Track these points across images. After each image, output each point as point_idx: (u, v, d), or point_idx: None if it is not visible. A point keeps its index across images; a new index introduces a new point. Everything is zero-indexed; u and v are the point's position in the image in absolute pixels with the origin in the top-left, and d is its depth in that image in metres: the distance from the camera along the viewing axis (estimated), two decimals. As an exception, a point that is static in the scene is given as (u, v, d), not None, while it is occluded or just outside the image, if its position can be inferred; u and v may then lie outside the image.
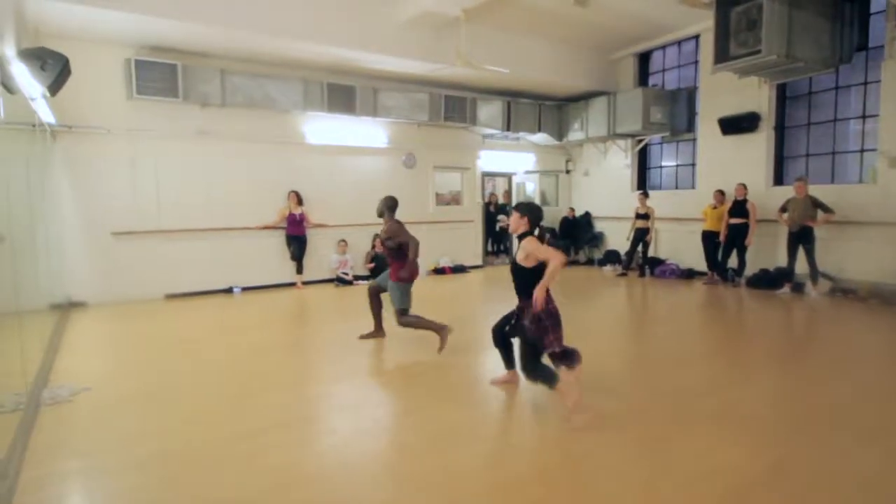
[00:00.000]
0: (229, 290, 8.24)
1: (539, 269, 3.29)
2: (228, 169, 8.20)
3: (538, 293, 3.21)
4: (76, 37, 6.77)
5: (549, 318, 3.27)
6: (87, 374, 4.21)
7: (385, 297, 5.04)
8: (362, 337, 5.30)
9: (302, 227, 8.68)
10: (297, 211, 8.62)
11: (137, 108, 7.38)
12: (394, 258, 4.82)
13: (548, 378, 3.26)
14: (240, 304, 7.53)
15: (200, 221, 7.98)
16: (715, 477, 2.56)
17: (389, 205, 4.95)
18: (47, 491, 2.53)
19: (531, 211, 3.52)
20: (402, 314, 4.77)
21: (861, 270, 7.25)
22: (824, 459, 2.74)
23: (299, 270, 8.75)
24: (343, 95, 8.66)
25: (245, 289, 8.35)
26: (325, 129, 9.02)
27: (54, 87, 4.45)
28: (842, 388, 3.82)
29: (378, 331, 5.31)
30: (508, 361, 3.86)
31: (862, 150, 7.60)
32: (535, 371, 3.32)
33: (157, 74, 7.20)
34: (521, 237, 3.49)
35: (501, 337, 3.79)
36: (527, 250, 3.34)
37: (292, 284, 8.73)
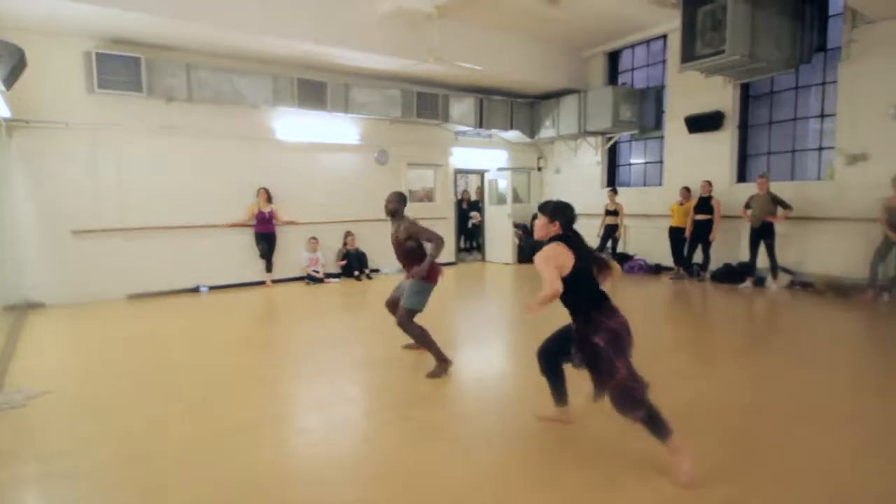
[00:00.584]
0: (196, 290, 8.07)
1: (572, 279, 2.65)
2: (195, 165, 8.01)
3: (529, 305, 2.63)
4: (34, 29, 6.53)
5: (609, 342, 2.56)
6: (46, 378, 4.07)
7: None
8: (406, 347, 4.75)
9: (271, 224, 8.55)
10: (267, 208, 8.48)
11: (99, 103, 7.14)
12: (412, 258, 4.30)
13: (658, 427, 2.49)
14: (207, 303, 7.38)
15: (166, 219, 7.77)
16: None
17: (402, 201, 4.38)
18: (5, 497, 2.44)
19: (556, 212, 2.82)
20: (410, 316, 4.20)
21: (819, 264, 7.52)
22: (786, 449, 2.82)
23: (269, 269, 8.62)
24: (314, 91, 8.54)
25: (213, 288, 8.18)
26: (296, 125, 8.90)
27: (9, 81, 4.30)
28: (801, 378, 3.95)
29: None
30: (559, 396, 3.08)
31: (820, 149, 7.87)
32: (629, 407, 2.54)
33: (120, 68, 6.98)
34: (548, 243, 2.80)
35: (553, 364, 2.99)
36: (538, 260, 2.68)
37: (262, 283, 8.59)
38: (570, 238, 2.79)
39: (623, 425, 2.96)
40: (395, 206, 4.33)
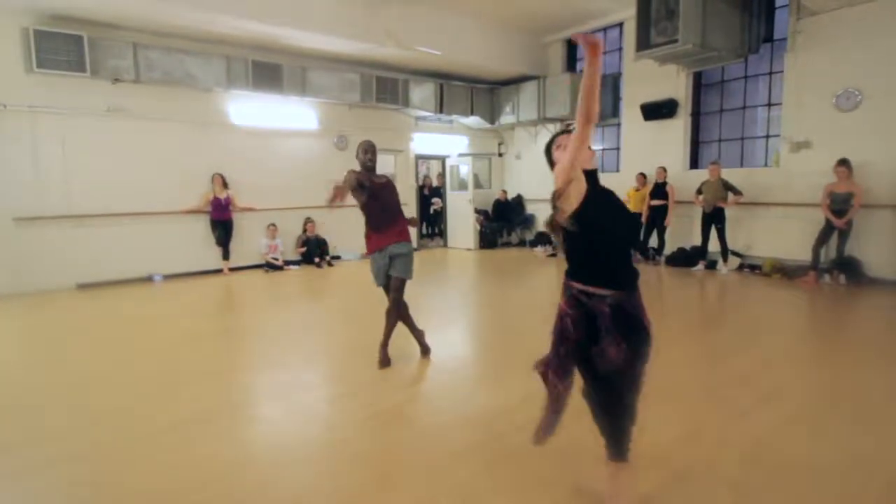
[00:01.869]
0: (149, 279, 7.82)
1: (587, 234, 1.95)
2: (146, 150, 7.71)
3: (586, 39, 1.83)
4: (-38, 1, 6.12)
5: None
6: (-13, 372, 3.89)
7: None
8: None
9: (228, 211, 8.33)
10: (223, 195, 8.26)
11: (39, 83, 6.77)
12: (402, 221, 4.01)
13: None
14: (161, 292, 7.17)
15: (115, 206, 7.48)
16: (636, 444, 2.71)
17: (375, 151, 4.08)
18: (-60, 499, 2.34)
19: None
20: (403, 291, 3.96)
21: (766, 248, 7.87)
22: (730, 421, 2.97)
23: (226, 256, 8.42)
24: (269, 73, 8.32)
25: (167, 276, 7.95)
26: (251, 108, 8.66)
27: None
28: (745, 354, 4.15)
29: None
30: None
31: (767, 136, 8.19)
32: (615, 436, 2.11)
33: (61, 46, 6.63)
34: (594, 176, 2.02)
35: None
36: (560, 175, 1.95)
37: (219, 271, 8.39)
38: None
39: (572, 402, 3.05)
40: (373, 158, 4.14)
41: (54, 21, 6.75)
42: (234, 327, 5.54)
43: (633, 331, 2.03)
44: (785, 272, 7.36)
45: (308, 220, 9.27)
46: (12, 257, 6.75)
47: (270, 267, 8.73)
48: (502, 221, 11.89)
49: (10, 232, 6.75)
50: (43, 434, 2.94)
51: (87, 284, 7.28)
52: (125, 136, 7.52)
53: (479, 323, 5.60)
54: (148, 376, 3.86)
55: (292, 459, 2.65)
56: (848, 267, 6.86)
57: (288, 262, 8.97)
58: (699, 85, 8.89)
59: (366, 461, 2.62)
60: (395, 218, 3.99)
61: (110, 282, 7.47)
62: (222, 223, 8.31)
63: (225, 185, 8.28)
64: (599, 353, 1.95)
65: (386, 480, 2.44)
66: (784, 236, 7.65)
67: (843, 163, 6.67)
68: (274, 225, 8.88)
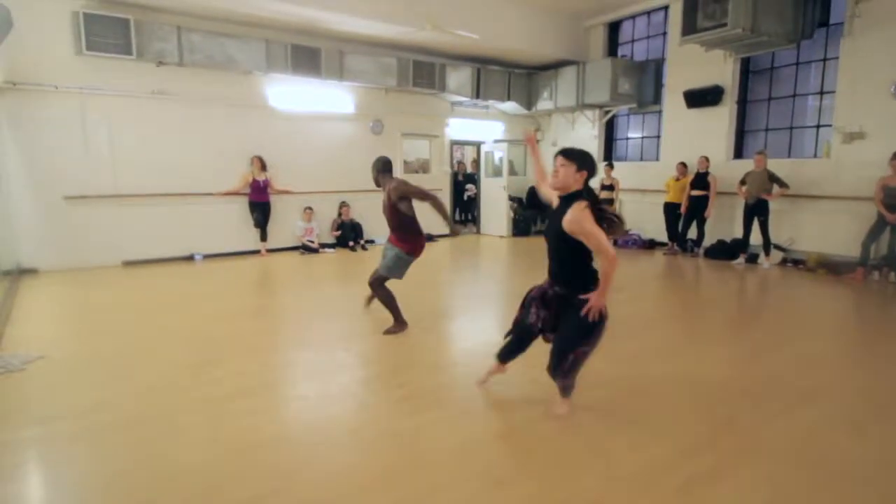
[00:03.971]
0: (190, 258, 8.06)
1: (585, 247, 2.59)
2: (187, 132, 7.90)
3: (597, 301, 2.60)
4: (18, -15, 6.33)
5: (603, 323, 2.72)
6: (41, 343, 4.09)
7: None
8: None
9: (266, 193, 8.49)
10: (261, 177, 8.41)
11: (88, 65, 6.99)
12: (404, 231, 4.34)
13: (571, 386, 2.87)
14: (202, 271, 7.38)
15: (158, 186, 7.71)
16: (664, 439, 2.68)
17: (382, 167, 4.37)
18: (5, 459, 2.47)
19: (586, 160, 2.60)
20: (382, 281, 4.38)
21: (811, 242, 7.57)
22: (766, 420, 2.90)
23: (263, 238, 8.60)
24: (308, 57, 8.39)
25: (207, 256, 8.18)
26: (290, 92, 8.76)
27: (-6, 40, 4.19)
28: (785, 354, 4.02)
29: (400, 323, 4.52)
30: (509, 355, 3.15)
31: (818, 126, 7.84)
32: (572, 375, 2.82)
33: (108, 29, 6.81)
34: (568, 199, 2.61)
35: (527, 336, 3.00)
36: (581, 224, 2.51)
37: (256, 252, 8.59)
38: (591, 201, 2.60)
39: (608, 393, 3.03)
40: (375, 174, 4.40)
41: (102, 4, 6.94)
42: (271, 307, 5.68)
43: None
44: (831, 268, 7.08)
45: (343, 204, 9.37)
46: (62, 234, 7.05)
47: (306, 249, 8.88)
48: (536, 209, 11.78)
49: (61, 209, 7.03)
50: (89, 403, 3.08)
51: (132, 262, 7.56)
52: (168, 118, 7.72)
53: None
54: (188, 353, 3.99)
55: (325, 437, 2.71)
56: (900, 264, 6.56)
57: (323, 245, 9.10)
58: (747, 71, 8.55)
59: (398, 441, 2.66)
60: (393, 229, 4.41)
61: (154, 260, 7.73)
62: (260, 205, 8.47)
63: (263, 167, 8.43)
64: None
65: (418, 460, 2.48)
66: (831, 231, 7.34)
67: (900, 155, 6.35)
68: (310, 208, 9.01)
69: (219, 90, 8.08)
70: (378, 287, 4.39)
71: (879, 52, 6.78)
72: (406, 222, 4.35)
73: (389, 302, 4.40)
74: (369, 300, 4.94)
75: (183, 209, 7.96)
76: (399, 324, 4.41)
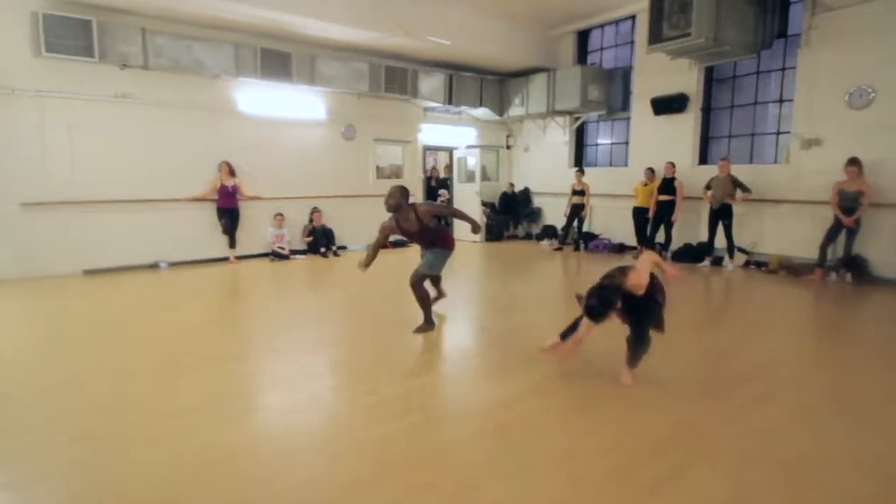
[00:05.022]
0: (155, 266, 7.86)
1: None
2: (153, 136, 7.72)
3: (677, 272, 3.75)
4: (-28, -16, 6.12)
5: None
6: (-5, 355, 3.93)
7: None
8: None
9: (234, 199, 8.35)
10: (230, 182, 8.27)
11: (47, 68, 6.78)
12: (436, 235, 4.69)
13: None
14: (167, 279, 7.20)
15: (122, 192, 7.50)
16: (629, 439, 2.72)
17: (406, 195, 4.52)
18: (-53, 478, 2.36)
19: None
20: (422, 279, 4.59)
21: (773, 245, 7.81)
22: (730, 417, 2.96)
23: (232, 244, 8.45)
24: (278, 62, 8.29)
25: (173, 264, 7.98)
26: (260, 97, 8.64)
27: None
28: (750, 352, 4.13)
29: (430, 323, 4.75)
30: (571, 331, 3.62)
31: (778, 133, 8.10)
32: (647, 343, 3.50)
33: (69, 31, 6.62)
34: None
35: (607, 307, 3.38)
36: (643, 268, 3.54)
37: (225, 259, 8.42)
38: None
39: (575, 395, 3.06)
40: (398, 200, 4.45)
41: (63, 5, 6.74)
42: (239, 315, 5.57)
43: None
44: (791, 270, 7.30)
45: (315, 210, 9.28)
46: (19, 242, 6.79)
47: (277, 256, 8.75)
48: (509, 214, 11.87)
49: (17, 217, 6.78)
50: (44, 419, 2.96)
51: (94, 270, 7.32)
52: (132, 122, 7.53)
53: (485, 315, 5.59)
54: (152, 363, 3.88)
55: (295, 447, 2.66)
56: (854, 265, 6.81)
57: (294, 252, 8.99)
58: (711, 80, 8.79)
59: (368, 449, 2.63)
60: (425, 243, 4.73)
61: (116, 268, 7.51)
62: (229, 211, 8.33)
63: (232, 173, 8.29)
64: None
65: (389, 467, 2.45)
66: (792, 234, 7.59)
67: (854, 162, 6.61)
68: (281, 214, 8.89)
69: (186, 94, 7.92)
70: (418, 286, 4.58)
71: (835, 62, 7.06)
72: (438, 231, 4.74)
73: (424, 301, 4.62)
74: (435, 299, 5.12)
75: (148, 215, 7.76)
76: (428, 323, 4.63)
